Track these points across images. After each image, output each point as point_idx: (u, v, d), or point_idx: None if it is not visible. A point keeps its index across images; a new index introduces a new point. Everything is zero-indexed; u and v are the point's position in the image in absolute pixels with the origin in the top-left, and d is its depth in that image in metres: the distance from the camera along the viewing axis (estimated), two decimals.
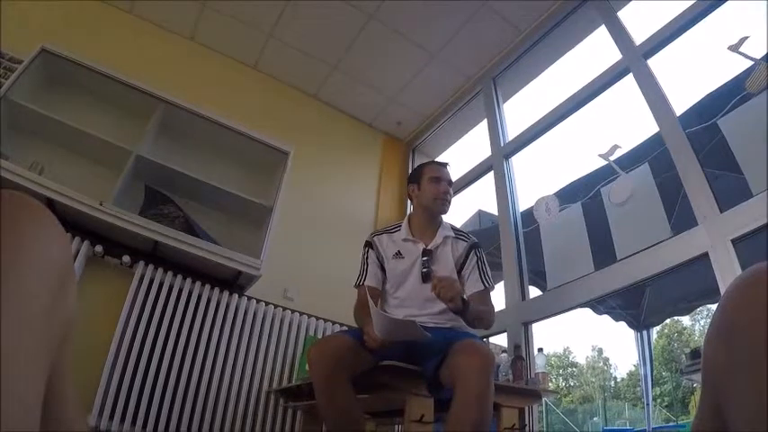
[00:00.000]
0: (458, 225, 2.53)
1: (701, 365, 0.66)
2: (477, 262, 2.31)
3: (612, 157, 3.16)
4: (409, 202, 2.56)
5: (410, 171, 3.74)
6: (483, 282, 2.28)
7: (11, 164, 2.81)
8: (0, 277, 0.47)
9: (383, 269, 2.37)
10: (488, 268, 2.34)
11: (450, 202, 2.41)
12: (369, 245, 2.44)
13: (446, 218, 2.47)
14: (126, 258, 3.13)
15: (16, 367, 0.44)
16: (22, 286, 0.48)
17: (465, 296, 2.10)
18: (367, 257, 2.40)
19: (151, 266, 3.15)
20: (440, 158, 5.22)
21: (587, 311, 5.24)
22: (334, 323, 3.68)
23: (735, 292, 0.61)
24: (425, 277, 2.25)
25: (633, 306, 5.94)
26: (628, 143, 3.29)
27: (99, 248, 3.06)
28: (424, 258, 2.29)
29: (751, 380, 0.55)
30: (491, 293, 2.33)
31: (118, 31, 3.93)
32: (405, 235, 2.38)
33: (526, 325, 3.15)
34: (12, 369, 0.44)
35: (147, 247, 3.18)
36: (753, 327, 0.55)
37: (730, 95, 2.67)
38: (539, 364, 2.75)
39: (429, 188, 2.39)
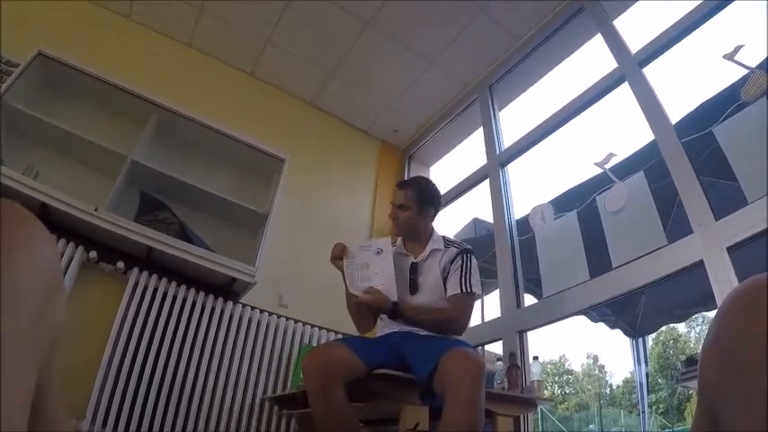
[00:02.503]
0: (453, 233, 2.54)
1: (697, 376, 0.66)
2: (462, 266, 2.30)
3: (608, 166, 3.17)
4: None
5: (406, 179, 3.77)
6: (461, 286, 2.25)
7: (5, 168, 2.80)
8: None
9: None
10: (473, 274, 2.30)
11: (400, 223, 2.43)
12: None
13: (440, 228, 2.50)
14: (120, 264, 3.12)
15: (6, 370, 0.45)
16: (10, 294, 0.49)
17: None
18: None
19: (145, 273, 3.14)
20: (435, 166, 5.31)
21: (583, 319, 5.24)
22: (329, 331, 3.68)
23: (730, 305, 0.61)
24: (413, 289, 2.32)
25: (628, 313, 5.94)
26: (623, 151, 3.30)
27: (93, 254, 3.05)
28: (412, 275, 2.35)
29: (746, 392, 0.55)
30: (470, 299, 2.27)
31: (115, 36, 3.93)
32: (399, 249, 2.43)
33: (521, 333, 3.14)
34: (2, 372, 0.45)
35: (141, 253, 3.16)
36: (748, 339, 0.55)
37: (726, 104, 2.67)
38: (534, 372, 2.75)
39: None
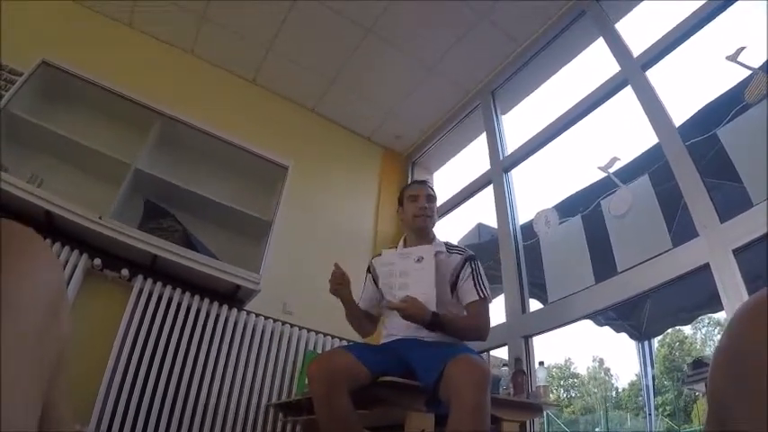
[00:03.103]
0: (457, 238, 2.54)
1: (705, 378, 0.66)
2: (473, 273, 2.30)
3: (612, 170, 3.16)
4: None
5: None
6: (478, 292, 2.26)
7: (10, 176, 2.81)
8: None
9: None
10: (485, 279, 2.32)
11: (430, 216, 2.43)
12: (368, 269, 2.55)
13: (443, 233, 2.49)
14: (125, 272, 3.12)
15: (6, 371, 0.46)
16: (15, 312, 0.50)
17: (463, 304, 2.27)
18: (365, 281, 2.53)
19: (150, 280, 3.14)
20: (438, 172, 5.29)
21: (588, 323, 5.22)
22: (333, 337, 3.67)
23: (742, 314, 0.61)
24: None
25: (634, 317, 5.92)
26: (627, 155, 3.30)
27: (98, 262, 3.05)
28: None
29: (755, 398, 0.54)
30: (488, 304, 2.30)
31: (118, 45, 3.95)
32: (400, 251, 2.41)
33: (527, 338, 3.13)
34: (2, 373, 0.46)
35: (145, 261, 3.16)
36: (759, 347, 0.55)
37: (729, 105, 2.67)
38: (540, 377, 2.74)
39: (408, 208, 2.46)
